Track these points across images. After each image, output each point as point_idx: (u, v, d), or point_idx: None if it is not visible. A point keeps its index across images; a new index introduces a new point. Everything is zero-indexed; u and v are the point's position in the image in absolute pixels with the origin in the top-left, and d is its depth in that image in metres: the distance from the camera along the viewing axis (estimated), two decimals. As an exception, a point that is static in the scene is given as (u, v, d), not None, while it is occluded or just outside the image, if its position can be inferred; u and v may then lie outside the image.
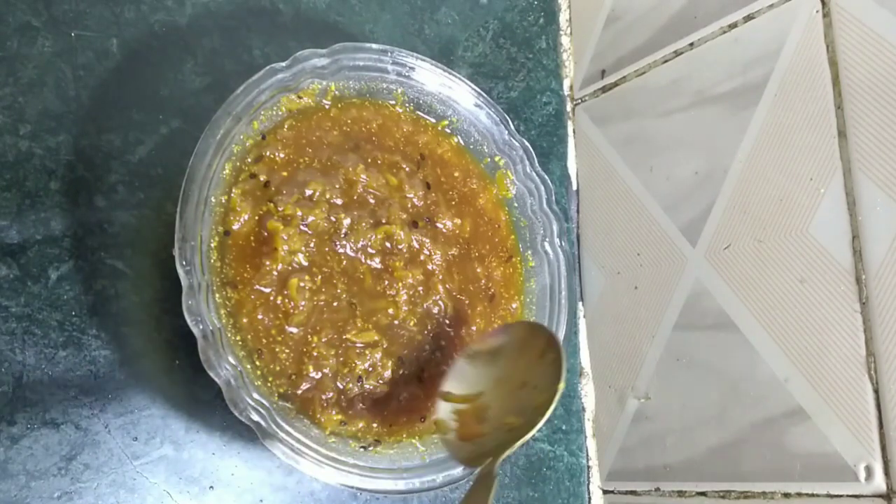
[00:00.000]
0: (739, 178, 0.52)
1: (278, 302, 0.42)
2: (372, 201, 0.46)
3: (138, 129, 0.46)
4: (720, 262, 0.52)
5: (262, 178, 0.44)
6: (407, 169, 0.48)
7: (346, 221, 0.45)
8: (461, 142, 0.52)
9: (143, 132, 0.46)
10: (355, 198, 0.46)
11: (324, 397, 0.42)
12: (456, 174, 0.51)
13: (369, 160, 0.47)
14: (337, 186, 0.45)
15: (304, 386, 0.42)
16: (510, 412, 0.43)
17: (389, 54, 0.48)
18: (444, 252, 0.48)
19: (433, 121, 0.51)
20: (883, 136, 0.44)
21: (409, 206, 0.48)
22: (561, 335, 0.50)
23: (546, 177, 0.51)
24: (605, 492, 0.59)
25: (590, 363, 0.62)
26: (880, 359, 0.43)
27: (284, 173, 0.44)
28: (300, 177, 0.44)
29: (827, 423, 0.45)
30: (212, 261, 0.41)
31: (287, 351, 0.42)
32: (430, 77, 0.50)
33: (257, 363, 0.41)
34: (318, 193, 0.44)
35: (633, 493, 0.57)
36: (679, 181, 0.56)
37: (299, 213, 0.43)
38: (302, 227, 0.43)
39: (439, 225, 0.49)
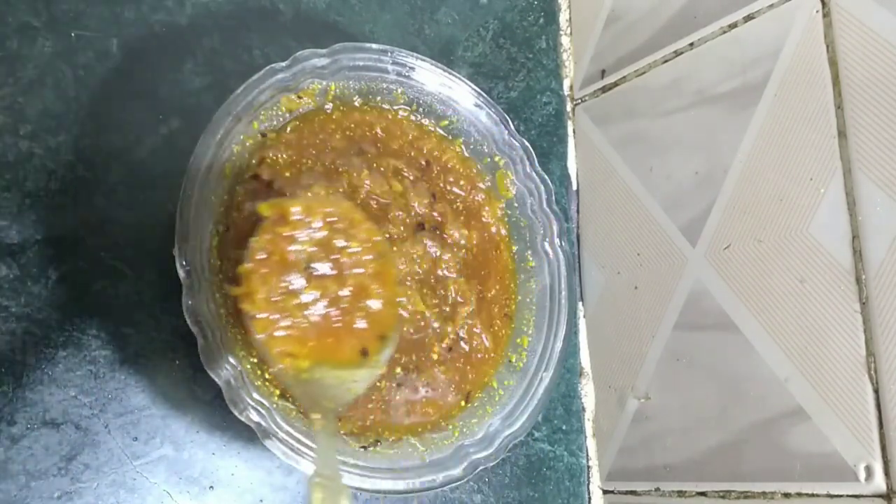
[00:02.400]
0: (739, 178, 0.52)
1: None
2: (375, 206, 0.46)
3: (138, 129, 0.46)
4: (720, 262, 0.52)
5: (265, 177, 0.44)
6: (411, 177, 0.48)
7: None
8: (464, 151, 0.52)
9: (143, 132, 0.46)
10: (359, 202, 0.46)
11: None
12: (462, 183, 0.51)
13: (374, 165, 0.47)
14: (341, 190, 0.45)
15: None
16: None
17: (389, 54, 0.48)
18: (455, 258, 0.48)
19: (435, 126, 0.51)
20: (883, 136, 0.44)
21: (413, 213, 0.48)
22: (561, 335, 0.50)
23: (546, 177, 0.51)
24: (605, 492, 0.59)
25: (590, 363, 0.62)
26: (880, 359, 0.43)
27: (287, 174, 0.44)
28: (303, 179, 0.44)
29: (827, 423, 0.45)
30: (212, 261, 0.41)
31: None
32: (430, 77, 0.50)
33: (254, 359, 0.41)
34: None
35: (633, 493, 0.57)
36: (679, 181, 0.56)
37: None
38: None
39: (445, 235, 0.48)
